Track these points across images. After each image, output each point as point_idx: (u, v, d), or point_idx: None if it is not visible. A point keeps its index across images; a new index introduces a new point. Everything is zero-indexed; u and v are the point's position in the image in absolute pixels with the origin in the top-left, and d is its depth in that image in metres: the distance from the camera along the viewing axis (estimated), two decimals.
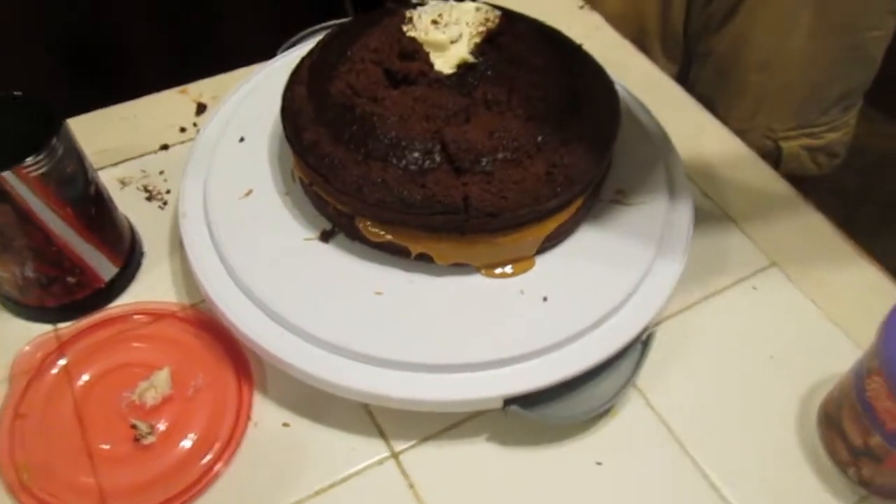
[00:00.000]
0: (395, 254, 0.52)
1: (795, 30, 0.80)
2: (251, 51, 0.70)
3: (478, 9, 0.56)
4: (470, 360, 0.48)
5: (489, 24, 0.55)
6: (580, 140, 0.51)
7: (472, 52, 0.54)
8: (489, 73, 0.53)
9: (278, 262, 0.52)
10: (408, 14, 0.56)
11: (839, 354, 0.52)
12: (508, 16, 0.57)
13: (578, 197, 0.52)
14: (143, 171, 0.65)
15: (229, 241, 0.53)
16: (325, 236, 0.54)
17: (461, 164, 0.48)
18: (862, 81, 0.85)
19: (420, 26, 0.55)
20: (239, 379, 0.52)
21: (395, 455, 0.49)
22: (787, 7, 0.79)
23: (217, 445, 0.48)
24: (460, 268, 0.52)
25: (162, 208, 0.62)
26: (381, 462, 0.49)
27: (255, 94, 0.63)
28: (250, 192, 0.56)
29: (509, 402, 0.48)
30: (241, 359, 0.52)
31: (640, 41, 0.84)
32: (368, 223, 0.51)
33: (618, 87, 0.57)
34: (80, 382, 0.51)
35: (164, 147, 0.67)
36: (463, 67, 0.53)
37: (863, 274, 0.59)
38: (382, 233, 0.51)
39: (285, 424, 0.50)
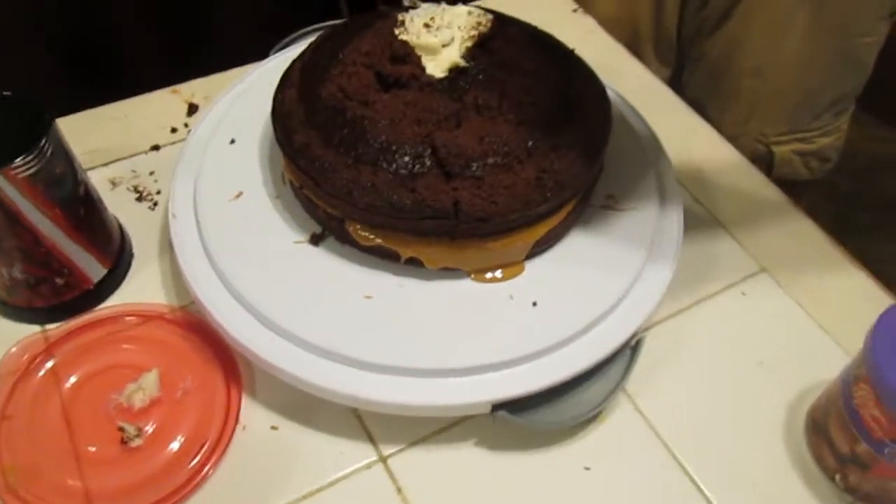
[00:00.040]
0: (384, 258, 0.52)
1: (789, 35, 0.80)
2: (247, 51, 0.70)
3: (470, 12, 0.56)
4: (458, 365, 0.48)
5: (481, 27, 0.55)
6: (571, 145, 0.51)
7: (463, 56, 0.53)
8: (480, 77, 0.53)
9: (268, 264, 0.52)
10: (400, 17, 0.56)
11: (828, 361, 0.52)
12: (500, 19, 0.57)
13: (569, 202, 0.52)
14: (134, 171, 0.65)
15: (219, 243, 0.53)
16: (315, 239, 0.54)
17: (451, 169, 0.48)
18: (854, 87, 0.86)
19: (412, 30, 0.55)
20: (227, 382, 0.51)
21: (383, 459, 0.49)
22: (780, 12, 0.80)
23: (205, 449, 0.48)
24: (450, 272, 0.52)
25: (152, 209, 0.62)
26: (369, 466, 0.49)
27: (246, 95, 0.63)
28: (240, 194, 0.56)
29: (497, 407, 0.48)
30: (230, 361, 0.52)
31: (634, 45, 0.84)
32: (358, 227, 0.51)
33: (610, 92, 0.57)
34: (68, 384, 0.51)
35: (155, 147, 0.67)
36: (454, 71, 0.53)
37: (852, 280, 0.59)
38: (372, 237, 0.51)
39: (274, 428, 0.50)
